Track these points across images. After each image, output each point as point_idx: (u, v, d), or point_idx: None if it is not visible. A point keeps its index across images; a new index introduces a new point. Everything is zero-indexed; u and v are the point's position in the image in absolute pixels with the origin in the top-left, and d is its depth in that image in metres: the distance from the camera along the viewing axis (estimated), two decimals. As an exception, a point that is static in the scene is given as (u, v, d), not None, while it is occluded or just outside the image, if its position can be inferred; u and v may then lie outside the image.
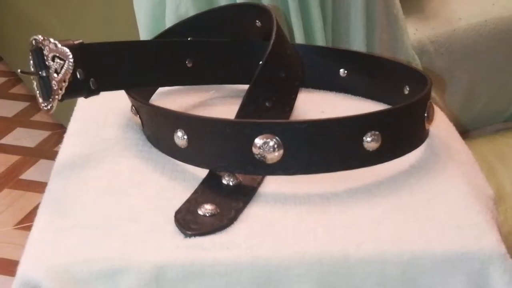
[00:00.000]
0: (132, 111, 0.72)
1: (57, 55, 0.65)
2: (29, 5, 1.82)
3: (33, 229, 0.59)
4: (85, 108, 0.76)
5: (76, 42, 0.67)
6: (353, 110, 0.72)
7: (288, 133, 0.60)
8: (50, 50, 0.65)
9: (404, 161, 0.65)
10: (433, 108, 0.68)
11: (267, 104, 0.70)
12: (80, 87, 0.68)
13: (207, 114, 0.75)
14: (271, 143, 0.60)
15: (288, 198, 0.61)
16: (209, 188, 0.63)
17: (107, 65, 0.70)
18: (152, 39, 0.79)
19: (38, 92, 0.67)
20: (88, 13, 1.51)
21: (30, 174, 1.68)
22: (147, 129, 0.70)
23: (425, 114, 0.67)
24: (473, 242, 0.56)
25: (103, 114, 0.74)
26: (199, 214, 0.59)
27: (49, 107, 0.66)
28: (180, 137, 0.64)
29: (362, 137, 0.62)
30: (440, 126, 0.72)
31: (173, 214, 0.59)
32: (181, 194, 0.62)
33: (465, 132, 1.67)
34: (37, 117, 1.90)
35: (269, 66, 0.70)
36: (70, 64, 0.64)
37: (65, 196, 0.62)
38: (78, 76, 0.67)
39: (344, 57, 0.80)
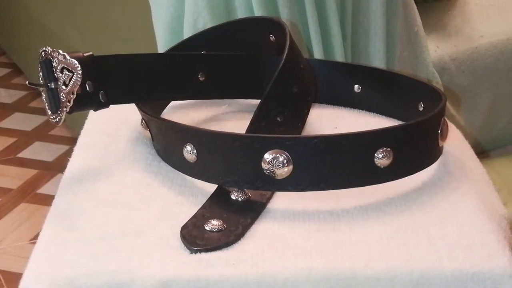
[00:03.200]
0: (142, 125, 0.72)
1: (66, 66, 0.64)
2: (49, 18, 1.83)
3: (38, 241, 0.59)
4: (96, 121, 0.75)
5: (86, 54, 0.67)
6: (367, 126, 0.71)
7: (297, 148, 0.60)
8: (59, 62, 0.64)
9: (417, 178, 0.64)
10: (447, 125, 0.67)
11: (278, 119, 0.69)
12: (89, 99, 0.67)
13: (219, 129, 0.74)
14: (281, 159, 0.59)
15: (297, 214, 0.60)
16: (217, 203, 0.62)
17: (118, 78, 0.69)
18: (166, 51, 0.79)
19: (46, 104, 0.67)
20: (107, 24, 1.51)
21: (47, 189, 1.68)
22: (157, 143, 0.69)
23: (439, 131, 0.66)
24: (484, 262, 0.55)
25: (114, 127, 0.74)
26: (206, 230, 0.58)
27: (57, 119, 0.66)
28: (189, 152, 0.63)
29: (374, 154, 0.61)
30: (454, 143, 0.71)
31: (180, 229, 0.58)
32: (189, 209, 0.61)
33: (486, 151, 1.65)
34: (55, 131, 1.91)
35: (281, 81, 0.70)
36: (79, 76, 0.64)
37: (71, 209, 0.62)
38: (87, 88, 0.66)
39: (359, 73, 0.79)
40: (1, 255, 1.45)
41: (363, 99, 0.79)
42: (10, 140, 1.89)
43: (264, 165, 0.60)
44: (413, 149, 0.64)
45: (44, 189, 1.69)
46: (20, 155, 1.83)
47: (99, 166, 0.69)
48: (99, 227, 0.59)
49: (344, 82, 0.79)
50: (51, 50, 0.65)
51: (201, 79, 0.77)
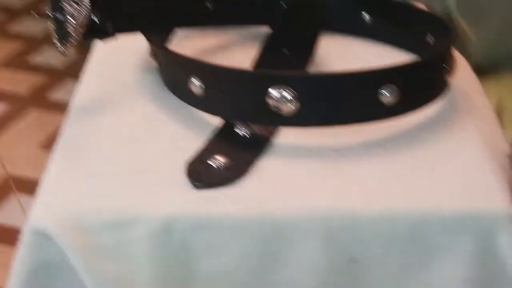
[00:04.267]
0: (150, 54, 0.72)
1: (74, -1, 0.64)
2: None
3: (46, 176, 0.59)
4: (103, 49, 0.75)
5: (93, -17, 0.66)
6: (375, 58, 0.72)
7: (302, 85, 0.60)
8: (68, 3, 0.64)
9: (423, 115, 0.65)
10: (455, 60, 0.67)
11: (287, 50, 0.69)
12: (97, 30, 0.67)
13: (227, 59, 0.75)
14: (286, 95, 0.60)
15: (301, 151, 0.61)
16: (223, 138, 0.62)
17: (125, 7, 0.69)
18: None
19: (53, 33, 0.66)
20: None
21: (57, 94, 1.69)
22: (164, 73, 0.70)
23: (446, 67, 0.65)
24: (482, 203, 0.56)
25: (122, 55, 0.74)
26: (211, 166, 0.59)
27: (65, 50, 0.66)
28: (195, 85, 0.64)
29: (379, 91, 0.61)
30: (462, 77, 0.70)
31: (185, 164, 0.59)
32: (195, 143, 0.62)
33: (499, 69, 1.64)
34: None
35: (291, 14, 0.69)
36: (88, 10, 0.64)
37: (79, 143, 0.63)
38: (95, 19, 0.66)
39: (368, 1, 0.78)
40: (12, 161, 1.47)
41: (372, 29, 0.79)
42: (19, 45, 1.89)
43: (270, 101, 0.60)
44: (420, 86, 0.64)
45: (54, 95, 1.69)
46: (29, 60, 1.83)
47: (107, 97, 0.69)
48: (107, 163, 0.60)
49: (354, 10, 0.79)
50: (60, -20, 0.65)
51: (209, 6, 0.76)
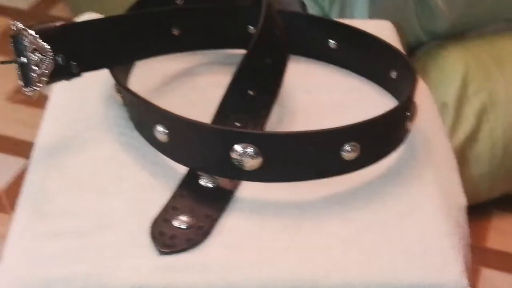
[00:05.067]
0: (115, 88, 0.72)
1: (37, 49, 0.64)
2: None
3: (11, 232, 0.60)
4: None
5: (58, 24, 0.66)
6: (340, 89, 0.73)
7: (266, 143, 0.61)
8: (30, 42, 0.64)
9: (383, 163, 0.66)
10: (415, 107, 0.68)
11: (250, 92, 0.70)
12: (61, 72, 0.67)
13: (192, 86, 0.75)
14: (250, 151, 0.61)
15: (264, 206, 0.62)
16: (187, 189, 0.63)
17: (89, 45, 0.69)
18: (132, 5, 0.77)
19: (20, 77, 0.66)
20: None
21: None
22: (129, 112, 0.70)
23: (408, 114, 0.67)
24: (438, 273, 0.58)
25: (87, 86, 0.74)
26: (175, 226, 0.60)
27: (31, 94, 0.66)
28: (160, 132, 0.64)
29: (341, 148, 0.62)
30: (423, 116, 0.71)
31: (150, 221, 0.60)
32: (160, 194, 0.63)
33: (465, 33, 1.65)
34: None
35: (255, 54, 0.70)
36: (51, 60, 0.64)
37: (43, 192, 0.63)
38: (60, 62, 0.66)
39: (335, 29, 0.78)
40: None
41: (338, 56, 0.79)
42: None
43: (234, 155, 0.61)
44: (382, 139, 0.65)
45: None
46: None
47: (71, 135, 0.70)
48: (71, 217, 0.61)
49: (320, 36, 0.79)
50: (22, 28, 0.64)
51: (175, 33, 0.76)
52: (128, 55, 0.73)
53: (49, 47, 0.63)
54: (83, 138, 0.69)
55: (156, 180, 0.65)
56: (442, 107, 1.57)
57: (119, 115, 0.71)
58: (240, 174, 0.62)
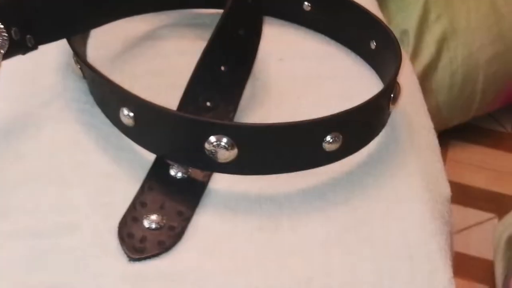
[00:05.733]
0: (73, 58, 0.66)
1: (-11, 23, 0.57)
2: None
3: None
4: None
5: (10, -8, 0.60)
6: (314, 56, 0.68)
7: (243, 136, 0.57)
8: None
9: (363, 150, 0.62)
10: (399, 87, 0.64)
11: (222, 68, 0.65)
12: (16, 47, 0.61)
13: (156, 50, 0.70)
14: (224, 143, 0.56)
15: (239, 202, 0.59)
16: (155, 181, 0.59)
17: (44, 14, 0.63)
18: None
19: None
20: None
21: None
22: (90, 87, 0.64)
23: (391, 95, 0.63)
24: (425, 281, 0.55)
25: (39, 53, 0.67)
26: (144, 227, 0.56)
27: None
28: (126, 115, 0.59)
29: (322, 140, 0.58)
30: (404, 94, 0.67)
31: (117, 220, 0.56)
32: (126, 185, 0.59)
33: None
34: None
35: (227, 26, 0.64)
36: (4, 38, 0.57)
37: (2, 185, 0.58)
38: (13, 36, 0.60)
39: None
40: None
41: (312, 18, 0.74)
42: None
43: (207, 146, 0.57)
44: (365, 127, 0.61)
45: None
46: None
47: (26, 112, 0.64)
48: (31, 216, 0.56)
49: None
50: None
51: (137, -6, 0.70)
52: (87, 22, 0.66)
53: (1, 26, 0.57)
54: (40, 116, 0.64)
55: (121, 168, 0.60)
56: (402, 35, 1.53)
57: (78, 87, 0.66)
58: (214, 165, 0.57)
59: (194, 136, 0.57)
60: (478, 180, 1.52)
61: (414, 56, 1.54)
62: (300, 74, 0.69)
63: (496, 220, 1.46)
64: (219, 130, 0.56)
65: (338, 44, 0.73)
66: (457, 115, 1.61)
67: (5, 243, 0.54)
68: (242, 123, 0.58)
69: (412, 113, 0.67)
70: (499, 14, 1.58)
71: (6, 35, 0.58)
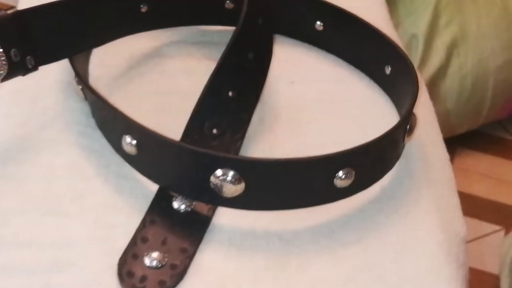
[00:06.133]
0: (75, 80, 0.63)
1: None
2: None
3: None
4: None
5: (9, 12, 0.57)
6: (326, 79, 0.66)
7: (251, 171, 0.54)
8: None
9: (375, 184, 0.59)
10: (415, 118, 0.61)
11: (230, 93, 0.62)
12: (15, 68, 0.58)
13: (161, 69, 0.67)
14: (230, 177, 0.53)
15: (244, 238, 0.56)
16: (157, 214, 0.56)
17: (45, 33, 0.60)
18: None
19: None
20: None
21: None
22: (92, 110, 0.62)
23: (408, 127, 0.60)
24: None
25: (40, 72, 0.64)
26: (145, 265, 0.53)
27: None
28: (128, 143, 0.57)
29: (334, 176, 0.55)
30: (421, 119, 0.64)
31: (116, 256, 0.54)
32: (127, 217, 0.56)
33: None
34: None
35: (236, 49, 0.61)
36: (3, 61, 0.55)
37: (-2, 214, 0.56)
38: (13, 58, 0.57)
39: (323, 9, 0.70)
40: None
41: (325, 39, 0.71)
42: None
43: (213, 180, 0.54)
44: (378, 162, 0.58)
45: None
46: None
47: (25, 134, 0.61)
48: (26, 249, 0.54)
49: (306, 17, 0.71)
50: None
51: (143, 10, 0.67)
52: (90, 40, 0.63)
53: (1, 51, 0.54)
54: (39, 138, 0.61)
55: (122, 198, 0.57)
56: (411, 39, 1.50)
57: (79, 108, 0.63)
58: (219, 200, 0.55)
59: (199, 169, 0.54)
60: (484, 190, 1.50)
61: (423, 62, 1.51)
62: (311, 98, 0.67)
63: (502, 233, 1.44)
64: (225, 164, 0.53)
65: (351, 67, 0.70)
66: (465, 122, 1.58)
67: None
68: (250, 157, 0.55)
69: (427, 143, 0.64)
70: (511, 20, 1.55)
71: (5, 58, 0.55)
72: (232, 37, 0.60)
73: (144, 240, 0.54)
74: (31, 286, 0.52)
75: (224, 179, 0.53)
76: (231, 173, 0.53)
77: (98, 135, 0.61)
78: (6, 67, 0.55)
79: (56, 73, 0.65)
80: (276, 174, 0.54)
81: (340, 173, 0.55)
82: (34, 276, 0.52)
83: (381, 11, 0.75)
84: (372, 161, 0.57)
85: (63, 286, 0.52)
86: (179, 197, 0.57)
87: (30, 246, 0.54)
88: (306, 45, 0.72)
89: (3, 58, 0.55)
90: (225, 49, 0.60)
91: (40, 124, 0.62)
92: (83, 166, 0.59)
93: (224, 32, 0.70)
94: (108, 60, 0.67)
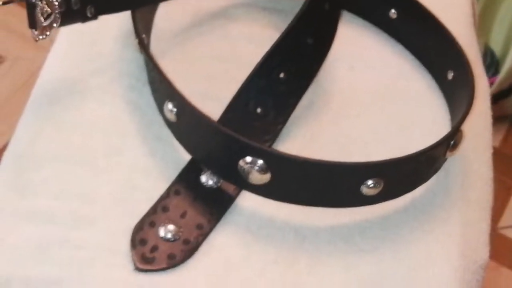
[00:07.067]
0: (134, 33, 0.63)
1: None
2: None
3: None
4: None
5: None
6: (388, 71, 0.64)
7: (278, 164, 0.54)
8: (38, -11, 0.55)
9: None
10: (461, 134, 0.59)
11: (281, 75, 0.61)
12: (75, 16, 0.59)
13: (224, 32, 0.67)
14: (258, 166, 0.54)
15: (261, 225, 0.56)
16: (184, 185, 0.57)
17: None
18: None
19: (28, 15, 0.58)
20: None
21: None
22: (146, 67, 0.62)
23: (452, 142, 0.58)
24: None
25: (103, 17, 0.65)
26: (159, 236, 0.55)
27: (37, 37, 0.58)
28: (170, 110, 0.57)
29: (361, 184, 0.55)
30: (474, 131, 0.63)
31: (134, 219, 0.55)
32: (155, 182, 0.57)
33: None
34: None
35: (295, 33, 0.60)
36: (57, 18, 0.55)
37: (28, 160, 0.57)
38: (73, 5, 0.58)
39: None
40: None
41: (396, 27, 0.69)
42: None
43: (242, 164, 0.54)
44: (411, 175, 0.57)
45: None
46: None
47: (76, 77, 0.63)
48: (51, 198, 0.56)
49: (382, 2, 0.69)
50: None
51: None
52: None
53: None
54: (88, 85, 0.62)
55: (154, 162, 0.59)
56: (484, 54, 1.42)
57: (134, 59, 0.64)
58: (245, 184, 0.55)
59: (230, 151, 0.54)
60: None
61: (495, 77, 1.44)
62: (367, 89, 0.65)
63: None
64: (255, 153, 0.53)
65: (417, 61, 0.68)
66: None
67: (18, 224, 0.54)
68: (279, 152, 0.55)
69: (472, 159, 0.62)
70: None
71: (58, 9, 0.56)
72: (292, 21, 0.59)
73: (165, 209, 0.56)
74: (48, 237, 0.53)
75: (252, 166, 0.53)
76: (259, 161, 0.53)
77: (147, 91, 0.62)
78: (59, 20, 0.56)
79: (119, 19, 0.65)
80: (302, 173, 0.54)
81: (369, 182, 0.54)
82: (53, 228, 0.54)
83: (465, 11, 0.72)
84: (404, 174, 0.56)
85: (76, 245, 0.53)
86: (208, 172, 0.57)
87: (55, 196, 0.56)
88: (375, 28, 0.70)
89: (56, 8, 0.55)
90: (284, 32, 0.60)
91: (93, 69, 0.63)
92: (125, 121, 0.60)
93: (296, 1, 0.68)
94: (174, 14, 0.67)
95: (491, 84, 1.37)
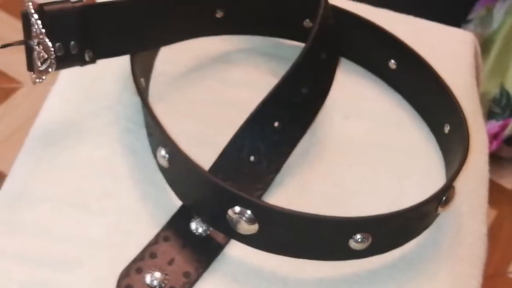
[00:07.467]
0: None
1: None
2: None
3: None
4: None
5: (76, 5, 0.58)
6: (384, 122, 0.65)
7: (266, 216, 0.54)
8: (36, 34, 0.56)
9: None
10: (453, 191, 0.59)
11: (276, 124, 0.62)
12: (72, 60, 0.60)
13: (225, 76, 0.67)
14: (247, 216, 0.54)
15: (248, 278, 0.56)
16: (173, 232, 0.57)
17: (111, 30, 0.61)
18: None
19: (26, 58, 0.59)
20: None
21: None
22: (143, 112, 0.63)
23: (443, 199, 0.58)
24: None
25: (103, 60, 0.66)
26: (145, 283, 0.55)
27: (35, 80, 0.59)
28: (162, 156, 0.58)
29: (349, 238, 0.55)
30: (470, 186, 0.63)
31: (122, 264, 0.55)
32: (145, 227, 0.58)
33: None
34: None
35: (290, 82, 0.61)
36: (52, 64, 0.56)
37: (21, 199, 0.58)
38: (71, 50, 0.59)
39: (401, 52, 0.68)
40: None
41: (395, 78, 0.69)
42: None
43: (231, 213, 0.55)
44: (400, 231, 0.57)
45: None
46: None
47: (74, 119, 0.63)
48: (42, 238, 0.56)
49: (381, 53, 0.69)
50: (32, 10, 0.56)
51: (218, 15, 0.67)
52: (153, 40, 0.64)
53: (52, 51, 0.55)
54: (85, 127, 0.63)
55: (145, 206, 0.59)
56: (498, 95, 1.40)
57: (133, 103, 0.64)
58: (233, 233, 0.55)
59: (219, 200, 0.55)
60: None
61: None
62: (362, 139, 0.66)
63: None
64: (243, 204, 0.54)
65: (414, 112, 0.68)
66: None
67: (6, 265, 0.54)
68: (267, 204, 0.55)
69: (465, 215, 0.62)
70: None
71: (53, 55, 0.56)
72: (288, 70, 0.60)
73: (153, 255, 0.56)
74: (32, 278, 0.54)
75: (241, 216, 0.54)
76: (248, 212, 0.54)
77: (143, 135, 0.62)
78: (54, 65, 0.57)
79: (122, 60, 0.65)
80: (290, 225, 0.54)
81: (357, 236, 0.54)
82: (38, 269, 0.55)
83: (468, 61, 0.72)
84: (393, 229, 0.56)
85: (63, 286, 0.54)
86: (198, 219, 0.58)
87: (45, 236, 0.56)
88: (373, 76, 0.70)
89: (52, 52, 0.56)
90: (278, 81, 0.60)
91: (91, 111, 0.64)
92: (119, 164, 0.61)
93: (297, 48, 0.68)
94: (175, 57, 0.68)
95: (506, 125, 1.36)
